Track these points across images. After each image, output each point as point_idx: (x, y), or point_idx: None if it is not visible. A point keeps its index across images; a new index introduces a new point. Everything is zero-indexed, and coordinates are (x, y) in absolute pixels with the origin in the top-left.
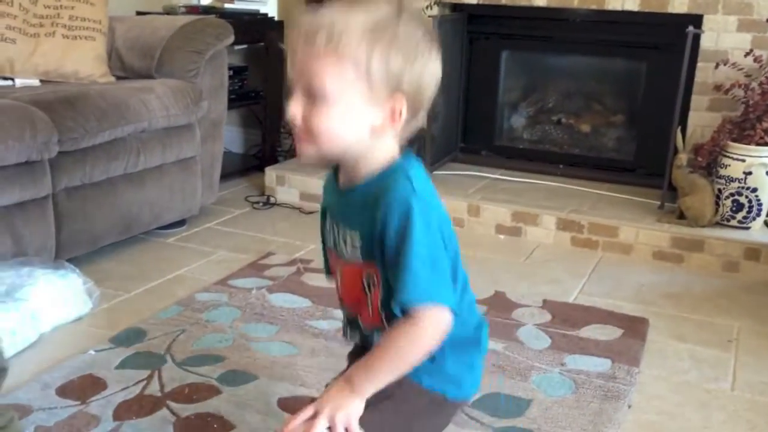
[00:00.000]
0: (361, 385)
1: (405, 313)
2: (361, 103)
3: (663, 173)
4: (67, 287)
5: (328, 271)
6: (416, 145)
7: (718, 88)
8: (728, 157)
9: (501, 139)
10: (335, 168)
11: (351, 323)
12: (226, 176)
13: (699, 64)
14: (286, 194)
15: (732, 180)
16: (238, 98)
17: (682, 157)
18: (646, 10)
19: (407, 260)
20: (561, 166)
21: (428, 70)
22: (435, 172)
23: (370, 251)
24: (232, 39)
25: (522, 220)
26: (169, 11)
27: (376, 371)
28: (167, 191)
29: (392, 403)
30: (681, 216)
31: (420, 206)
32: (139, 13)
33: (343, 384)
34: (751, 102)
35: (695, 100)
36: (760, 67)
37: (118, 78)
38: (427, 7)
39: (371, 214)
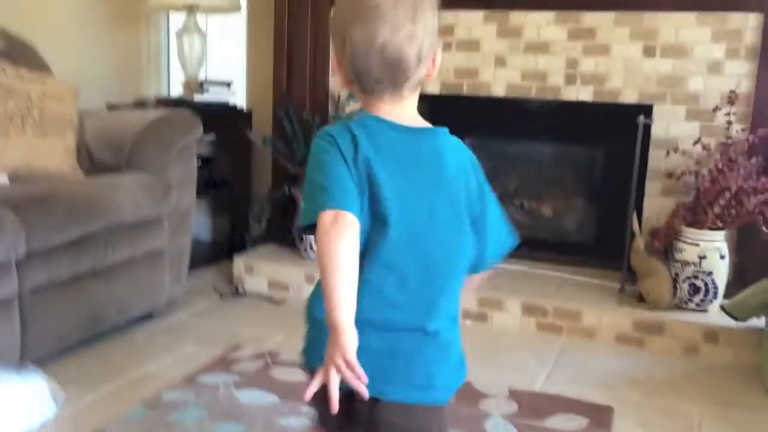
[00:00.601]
0: (332, 322)
1: None
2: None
3: (623, 256)
4: (31, 392)
5: None
6: None
7: (670, 174)
8: (683, 241)
9: None
10: None
11: None
12: (194, 265)
13: (651, 152)
14: (254, 283)
15: (688, 264)
16: (207, 187)
17: (640, 242)
18: (600, 101)
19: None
20: (525, 249)
21: (359, 28)
22: None
23: None
24: (200, 132)
25: (488, 306)
26: (140, 103)
27: (323, 297)
28: (135, 285)
29: None
30: (641, 299)
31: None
32: (109, 106)
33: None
34: (701, 188)
35: (650, 185)
36: (709, 154)
37: (88, 173)
38: None
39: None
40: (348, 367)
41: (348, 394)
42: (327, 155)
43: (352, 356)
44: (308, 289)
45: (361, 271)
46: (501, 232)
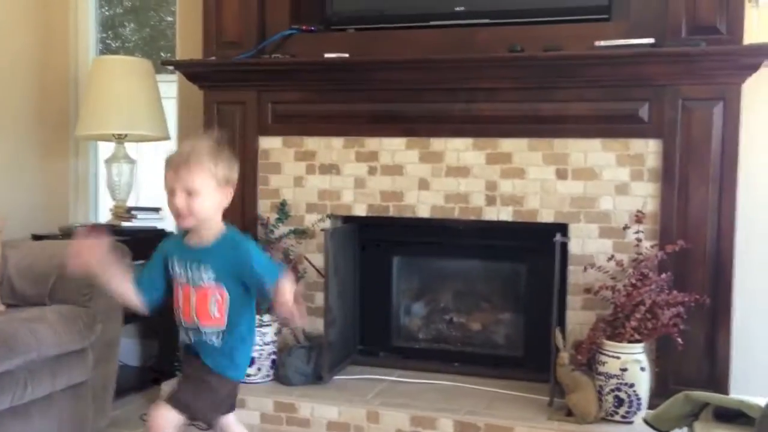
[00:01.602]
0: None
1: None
2: (213, 192)
3: (550, 369)
4: None
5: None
6: (315, 350)
7: (588, 289)
8: (605, 354)
9: (398, 339)
10: (184, 234)
11: (192, 329)
12: (120, 394)
13: (570, 268)
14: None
15: (611, 376)
16: (135, 313)
17: (564, 356)
18: (519, 220)
19: (263, 266)
20: (456, 364)
21: (236, 172)
22: (334, 377)
23: (219, 280)
24: (128, 261)
25: (420, 425)
26: (66, 232)
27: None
28: (56, 422)
29: (213, 390)
30: (569, 413)
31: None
32: (34, 237)
33: (285, 280)
34: (618, 302)
35: (570, 300)
36: (622, 270)
37: (9, 306)
38: (319, 221)
39: (228, 257)
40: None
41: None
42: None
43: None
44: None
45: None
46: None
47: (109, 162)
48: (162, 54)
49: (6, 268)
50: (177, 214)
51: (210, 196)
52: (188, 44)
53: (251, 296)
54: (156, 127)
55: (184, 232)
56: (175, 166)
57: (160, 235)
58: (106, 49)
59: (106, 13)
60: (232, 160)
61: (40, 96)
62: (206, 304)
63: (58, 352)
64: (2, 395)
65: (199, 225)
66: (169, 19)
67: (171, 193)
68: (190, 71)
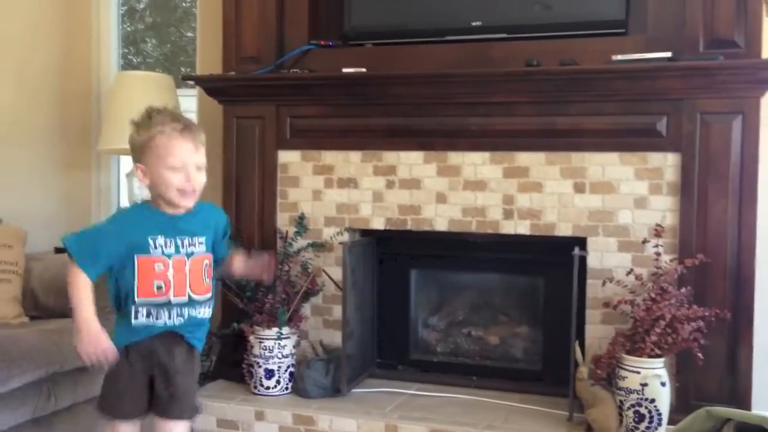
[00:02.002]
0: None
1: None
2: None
3: (569, 384)
4: None
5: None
6: (333, 363)
7: (607, 304)
8: (624, 369)
9: (416, 353)
10: (148, 205)
11: (183, 306)
12: None
13: (588, 281)
14: (202, 422)
15: (631, 391)
16: None
17: (583, 371)
18: (537, 234)
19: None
20: (474, 377)
21: None
22: (353, 390)
23: (207, 246)
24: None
25: None
26: None
27: None
28: None
29: (196, 374)
30: (589, 428)
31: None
32: (57, 249)
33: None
34: (637, 317)
35: (589, 314)
36: (642, 284)
37: (32, 318)
38: (337, 234)
39: (211, 221)
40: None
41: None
42: None
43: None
44: (258, 428)
45: None
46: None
47: (130, 176)
48: (182, 69)
49: (29, 280)
50: (184, 192)
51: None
52: (208, 59)
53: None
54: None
55: (147, 203)
56: (189, 136)
57: None
58: (127, 65)
59: (128, 29)
60: None
61: (63, 110)
62: (200, 273)
63: (81, 364)
64: (26, 406)
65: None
66: (190, 35)
67: (183, 167)
68: (210, 86)
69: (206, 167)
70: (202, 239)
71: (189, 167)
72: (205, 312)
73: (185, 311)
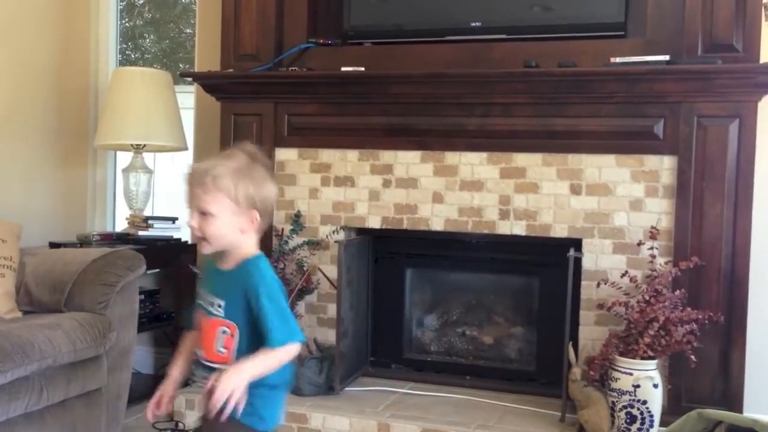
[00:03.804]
0: (246, 368)
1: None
2: (231, 215)
3: (562, 384)
4: None
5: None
6: (327, 362)
7: (601, 305)
8: (617, 370)
9: (410, 351)
10: (215, 256)
11: (199, 364)
12: (133, 400)
13: (583, 283)
14: (194, 418)
15: (623, 393)
16: (149, 321)
17: (576, 371)
18: (533, 235)
19: (271, 308)
20: (468, 377)
21: (270, 191)
22: (346, 389)
23: (229, 311)
24: (143, 270)
25: None
26: (83, 240)
27: (256, 365)
28: (69, 428)
29: None
30: (581, 429)
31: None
32: (52, 244)
33: (233, 369)
34: (631, 319)
35: (583, 315)
36: (636, 286)
37: (26, 313)
38: (333, 233)
39: (240, 284)
40: None
41: None
42: (276, 282)
43: (240, 391)
44: None
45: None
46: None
47: (126, 171)
48: (181, 65)
49: (23, 275)
50: (193, 235)
51: (226, 218)
52: (207, 56)
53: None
54: (174, 137)
55: (216, 254)
56: (190, 183)
57: (176, 244)
58: (125, 60)
59: (127, 24)
60: (263, 179)
61: (59, 105)
62: (213, 340)
63: (74, 359)
64: (18, 400)
65: (222, 249)
66: (188, 31)
67: (189, 211)
68: (208, 83)
69: (221, 215)
70: (222, 302)
71: (192, 210)
72: None
73: (203, 372)
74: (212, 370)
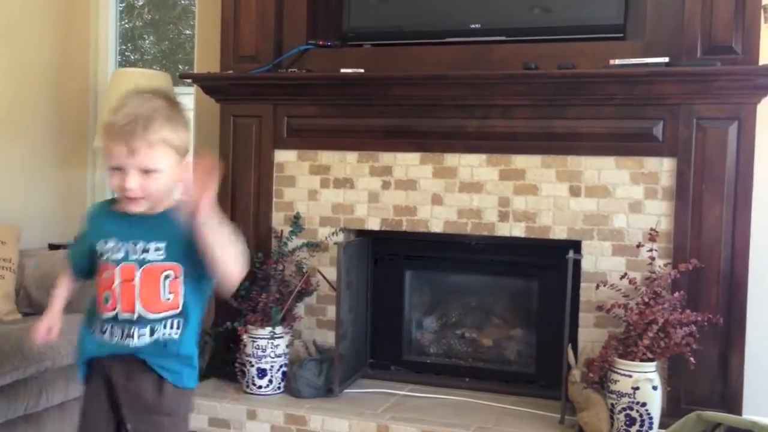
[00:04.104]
0: (212, 214)
1: None
2: (174, 167)
3: (561, 386)
4: None
5: (85, 276)
6: (326, 363)
7: (600, 307)
8: (616, 372)
9: (409, 353)
10: (111, 201)
11: (132, 324)
12: None
13: (582, 285)
14: (194, 420)
15: (622, 395)
16: None
17: (576, 373)
18: (532, 236)
19: None
20: (467, 379)
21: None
22: (345, 391)
23: (171, 254)
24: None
25: None
26: None
27: (221, 228)
28: (68, 430)
29: (175, 417)
30: (581, 431)
31: None
32: (51, 246)
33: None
34: (630, 321)
35: (583, 317)
36: (635, 288)
37: (25, 315)
38: (332, 234)
39: (175, 229)
40: None
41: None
42: None
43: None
44: (250, 428)
45: None
46: None
47: None
48: (180, 67)
49: (23, 276)
50: (127, 197)
51: (170, 172)
52: (206, 58)
53: (204, 285)
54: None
55: (112, 200)
56: (125, 136)
57: None
58: (125, 62)
59: (126, 25)
60: (186, 120)
61: (59, 106)
62: (156, 286)
63: (73, 361)
64: (17, 402)
65: (154, 204)
66: (188, 32)
67: (118, 169)
68: (208, 84)
69: (168, 169)
70: (161, 245)
71: (129, 170)
72: (172, 333)
73: (137, 331)
74: (157, 323)
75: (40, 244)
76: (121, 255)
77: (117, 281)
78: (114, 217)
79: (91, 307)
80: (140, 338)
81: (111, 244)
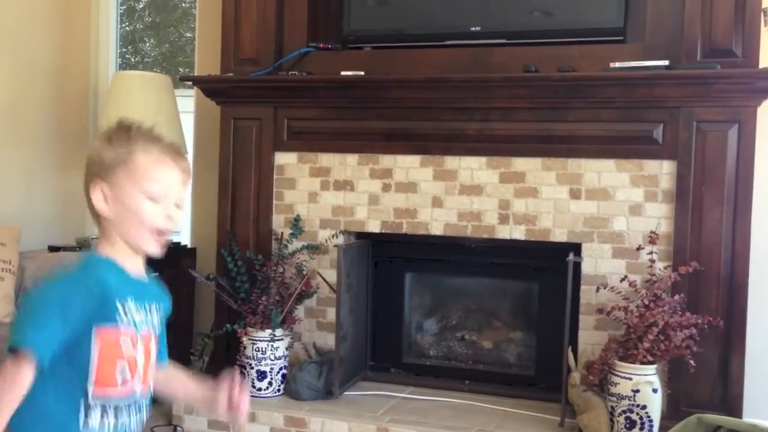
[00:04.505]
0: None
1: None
2: None
3: (561, 389)
4: None
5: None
6: (326, 366)
7: (600, 310)
8: (616, 375)
9: (409, 356)
10: (113, 262)
11: (137, 403)
12: None
13: (582, 287)
14: (194, 423)
15: (622, 397)
16: None
17: (575, 376)
18: (532, 239)
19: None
20: (467, 381)
21: None
22: (345, 393)
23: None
24: None
25: None
26: (82, 244)
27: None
28: None
29: None
30: None
31: None
32: (51, 248)
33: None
34: (631, 323)
35: (583, 320)
36: (635, 290)
37: None
38: (332, 237)
39: (159, 296)
40: None
41: None
42: None
43: None
44: (250, 430)
45: None
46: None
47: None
48: (181, 69)
49: (23, 279)
50: (160, 233)
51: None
52: (207, 60)
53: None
54: (174, 141)
55: (109, 258)
56: (182, 167)
57: (176, 248)
58: (126, 64)
59: (127, 28)
60: None
61: (59, 109)
62: (150, 360)
63: None
64: None
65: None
66: (189, 35)
67: (164, 199)
68: (208, 87)
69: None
70: (159, 313)
71: (170, 202)
72: (145, 412)
73: (144, 415)
74: (143, 405)
75: (40, 245)
76: (147, 322)
77: (140, 357)
78: (121, 275)
79: (60, 392)
80: (141, 425)
81: (131, 304)
